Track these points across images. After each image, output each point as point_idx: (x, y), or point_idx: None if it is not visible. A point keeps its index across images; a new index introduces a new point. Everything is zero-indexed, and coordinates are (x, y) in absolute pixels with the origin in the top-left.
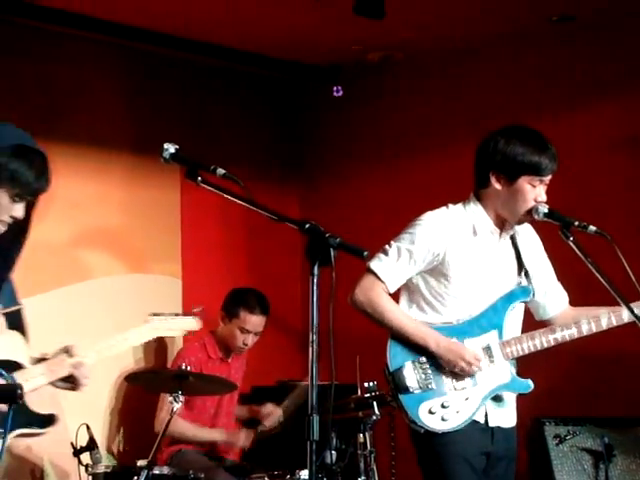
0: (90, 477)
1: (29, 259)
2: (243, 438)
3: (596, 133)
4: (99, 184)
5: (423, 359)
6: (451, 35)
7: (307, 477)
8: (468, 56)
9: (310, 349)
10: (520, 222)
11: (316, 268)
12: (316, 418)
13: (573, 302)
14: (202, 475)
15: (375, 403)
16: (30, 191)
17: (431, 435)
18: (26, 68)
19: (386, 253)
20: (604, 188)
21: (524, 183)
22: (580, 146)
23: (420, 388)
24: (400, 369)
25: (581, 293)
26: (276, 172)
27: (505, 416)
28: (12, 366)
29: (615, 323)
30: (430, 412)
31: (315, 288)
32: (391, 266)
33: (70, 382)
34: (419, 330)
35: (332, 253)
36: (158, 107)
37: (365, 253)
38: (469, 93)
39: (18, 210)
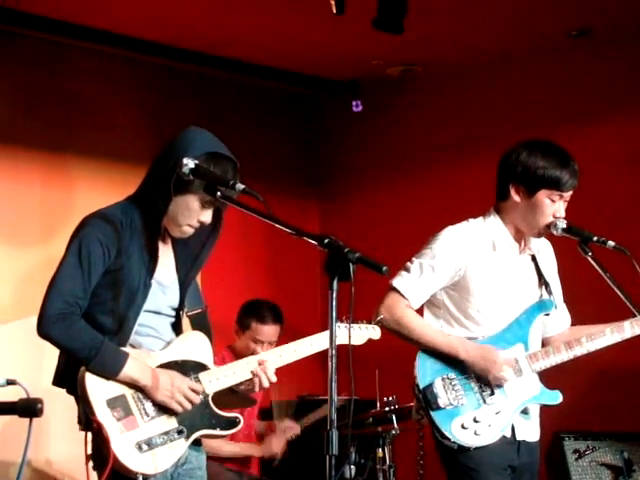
0: None
1: (46, 273)
2: (276, 447)
3: (614, 147)
4: (118, 197)
5: (452, 374)
6: (470, 50)
7: None
8: (487, 71)
9: (329, 364)
10: (538, 235)
11: (335, 283)
12: (335, 433)
13: (585, 318)
14: None
15: (394, 417)
16: (228, 195)
17: (463, 450)
18: (46, 82)
19: (408, 270)
20: (622, 202)
21: (543, 197)
22: (598, 160)
23: (451, 404)
24: (430, 385)
25: (593, 309)
26: (296, 187)
27: (530, 430)
28: (197, 367)
29: (638, 332)
30: (463, 427)
31: (334, 303)
32: (414, 282)
33: (252, 385)
34: (448, 340)
35: (351, 268)
36: (177, 121)
37: (384, 268)
38: (488, 107)
39: (207, 215)
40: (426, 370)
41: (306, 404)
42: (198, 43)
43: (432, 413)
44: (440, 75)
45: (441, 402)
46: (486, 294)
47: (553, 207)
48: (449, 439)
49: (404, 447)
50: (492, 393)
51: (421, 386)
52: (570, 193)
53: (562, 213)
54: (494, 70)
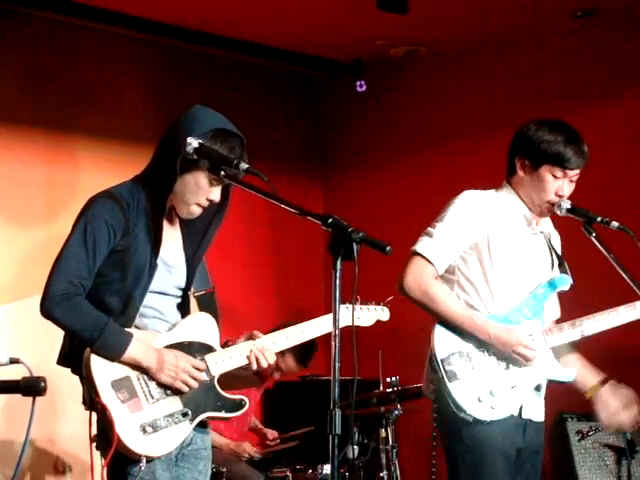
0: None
1: (50, 253)
2: (248, 449)
3: (619, 128)
4: (122, 177)
5: (470, 347)
6: (475, 30)
7: (329, 472)
8: (491, 51)
9: (333, 344)
10: (542, 214)
11: (339, 263)
12: (338, 413)
13: (588, 300)
14: (224, 469)
15: (397, 398)
16: (233, 174)
17: (474, 425)
18: (51, 62)
19: (430, 235)
20: (627, 183)
21: (546, 172)
22: (603, 141)
23: (468, 376)
24: (448, 357)
25: (596, 291)
26: (300, 167)
27: (537, 409)
28: (204, 348)
29: None
30: (479, 400)
31: (338, 282)
32: (438, 247)
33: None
34: (472, 321)
35: (355, 247)
36: (181, 101)
37: (388, 248)
38: (492, 88)
39: (215, 193)
40: (444, 342)
41: (309, 385)
42: (202, 23)
43: (449, 385)
44: (444, 55)
45: (460, 374)
46: (505, 260)
47: (556, 184)
48: (465, 411)
49: (407, 427)
50: (508, 367)
51: (439, 357)
52: (576, 173)
53: (565, 192)
54: (498, 51)
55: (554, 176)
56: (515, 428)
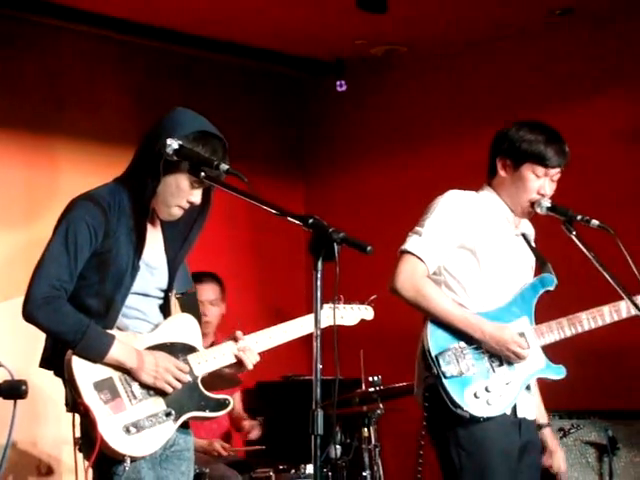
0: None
1: (31, 255)
2: (218, 448)
3: (598, 126)
4: (103, 179)
5: (462, 343)
6: (454, 29)
7: (312, 472)
8: (471, 50)
9: (314, 344)
10: (523, 215)
11: (320, 263)
12: (320, 413)
13: (568, 299)
14: (207, 470)
15: (379, 397)
16: (214, 175)
17: (469, 423)
18: (31, 63)
19: (419, 233)
20: (607, 182)
21: (527, 171)
22: (583, 140)
23: (463, 372)
24: (443, 354)
25: (576, 290)
26: (280, 167)
27: (530, 407)
28: (186, 349)
29: (633, 312)
30: (475, 396)
31: (319, 283)
32: (428, 245)
33: (236, 367)
34: (466, 319)
35: (336, 248)
36: (162, 102)
37: (369, 248)
38: (472, 86)
39: (196, 196)
40: (437, 338)
41: (291, 384)
42: (182, 24)
43: (445, 381)
44: (424, 55)
45: (454, 370)
46: (491, 259)
47: (537, 183)
48: (462, 408)
49: (389, 427)
50: (501, 364)
51: (434, 354)
52: (557, 171)
53: (547, 191)
54: (478, 50)
55: (536, 175)
56: (511, 427)
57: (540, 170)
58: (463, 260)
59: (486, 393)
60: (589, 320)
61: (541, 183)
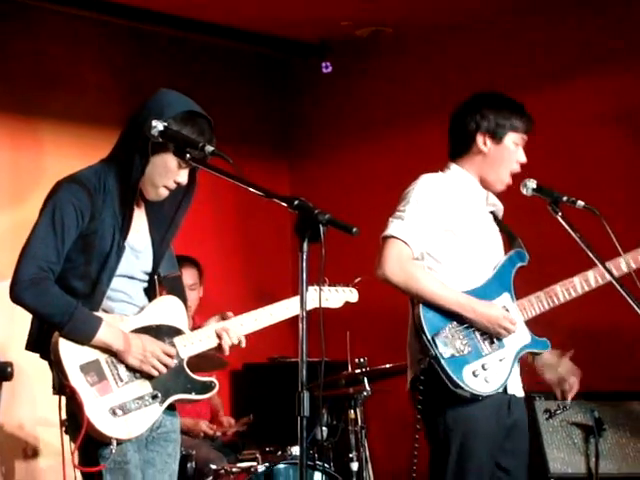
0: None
1: (16, 237)
2: (204, 428)
3: (585, 108)
4: (88, 161)
5: (455, 323)
6: (439, 11)
7: (298, 453)
8: (457, 32)
9: (300, 326)
10: (496, 189)
11: (305, 244)
12: (307, 394)
13: (554, 279)
14: (193, 452)
15: (366, 379)
16: (200, 157)
17: (457, 405)
18: (14, 45)
19: (401, 218)
20: (592, 163)
21: (510, 142)
22: (569, 121)
23: (460, 351)
24: (439, 334)
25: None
26: (265, 149)
27: (518, 384)
28: (172, 331)
29: (601, 282)
30: (474, 375)
31: (305, 264)
32: (411, 228)
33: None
34: (457, 300)
35: (321, 229)
36: (146, 84)
37: (354, 229)
38: (458, 69)
39: (183, 176)
40: (431, 319)
41: (277, 367)
42: (166, 5)
43: (443, 362)
44: (409, 37)
45: (452, 350)
46: (470, 238)
47: (517, 152)
48: (462, 388)
49: (376, 408)
50: (492, 342)
51: (429, 335)
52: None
53: (524, 158)
54: (463, 31)
55: (515, 144)
56: (502, 405)
57: (520, 139)
58: (444, 241)
59: (484, 371)
60: (563, 292)
61: (519, 152)
